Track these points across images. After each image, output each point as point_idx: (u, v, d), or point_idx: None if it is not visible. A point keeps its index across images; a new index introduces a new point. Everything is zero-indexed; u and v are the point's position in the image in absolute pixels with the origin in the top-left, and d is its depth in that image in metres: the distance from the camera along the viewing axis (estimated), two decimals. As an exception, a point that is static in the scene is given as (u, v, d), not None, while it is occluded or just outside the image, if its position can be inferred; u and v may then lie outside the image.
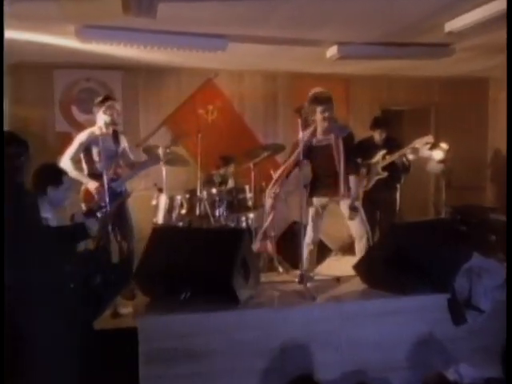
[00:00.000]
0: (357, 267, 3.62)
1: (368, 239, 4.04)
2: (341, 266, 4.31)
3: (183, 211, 4.89)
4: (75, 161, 4.35)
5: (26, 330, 2.10)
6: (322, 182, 4.03)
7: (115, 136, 4.41)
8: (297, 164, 3.96)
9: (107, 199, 4.18)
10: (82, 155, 4.38)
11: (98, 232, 4.14)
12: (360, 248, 4.03)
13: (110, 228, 4.15)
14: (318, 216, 4.08)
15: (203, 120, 5.89)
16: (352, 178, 4.02)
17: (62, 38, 4.58)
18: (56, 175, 2.98)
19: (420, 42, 4.95)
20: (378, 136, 5.10)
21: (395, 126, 5.96)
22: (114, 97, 4.37)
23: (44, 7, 3.76)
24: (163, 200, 4.83)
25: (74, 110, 5.86)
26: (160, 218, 4.82)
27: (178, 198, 4.93)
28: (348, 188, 3.98)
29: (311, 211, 4.08)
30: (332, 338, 3.04)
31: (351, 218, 3.99)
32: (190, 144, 5.56)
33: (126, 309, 3.80)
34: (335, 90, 6.47)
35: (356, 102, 6.56)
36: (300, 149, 3.63)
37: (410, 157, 5.00)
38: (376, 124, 5.15)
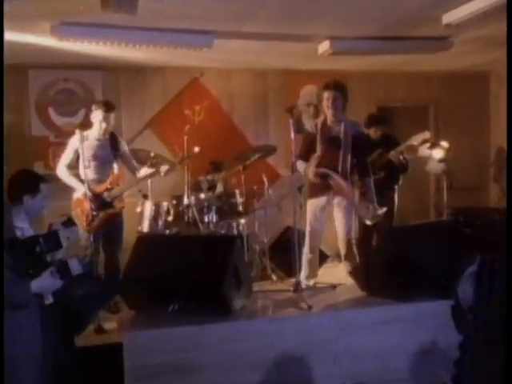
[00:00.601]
0: (354, 273, 3.64)
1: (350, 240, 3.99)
2: (338, 272, 4.33)
3: (170, 218, 4.88)
4: (71, 167, 4.37)
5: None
6: (326, 180, 3.93)
7: (113, 140, 4.42)
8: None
9: (95, 208, 4.19)
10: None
11: (86, 242, 4.16)
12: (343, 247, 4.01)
13: (92, 238, 4.15)
14: (316, 221, 3.99)
15: (190, 121, 5.90)
16: (368, 182, 4.05)
17: (37, 36, 4.57)
18: (32, 183, 2.96)
19: (417, 35, 5.00)
20: (373, 134, 5.12)
21: (392, 124, 5.99)
22: (113, 106, 4.38)
23: (17, 4, 3.75)
24: (148, 207, 4.81)
25: (52, 113, 5.84)
26: (145, 226, 4.80)
27: (165, 204, 4.92)
28: (367, 191, 4.01)
29: (309, 215, 4.00)
30: (329, 349, 3.05)
31: (371, 221, 4.02)
32: (175, 147, 5.55)
33: (111, 323, 3.79)
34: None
35: (351, 99, 6.53)
36: (293, 149, 3.63)
37: (407, 155, 5.02)
38: (371, 121, 5.17)
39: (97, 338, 3.62)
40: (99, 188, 4.32)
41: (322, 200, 3.98)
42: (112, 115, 4.36)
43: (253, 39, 4.93)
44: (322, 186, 3.94)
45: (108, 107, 4.32)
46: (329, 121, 3.96)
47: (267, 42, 5.07)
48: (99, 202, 4.28)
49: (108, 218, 4.35)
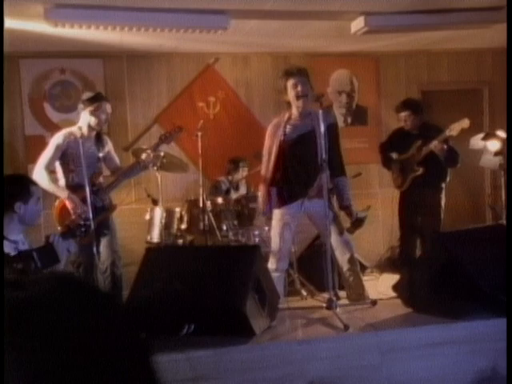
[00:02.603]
0: (398, 287, 3.60)
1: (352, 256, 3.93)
2: (378, 286, 4.29)
3: (183, 226, 4.92)
4: (51, 170, 4.30)
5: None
6: (295, 182, 3.85)
7: (98, 139, 4.42)
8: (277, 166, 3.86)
9: (90, 215, 4.19)
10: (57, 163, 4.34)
11: (77, 256, 4.18)
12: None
13: (94, 250, 4.17)
14: (290, 234, 3.89)
15: (203, 115, 5.93)
16: (343, 181, 3.96)
17: (28, 20, 4.64)
18: (22, 187, 3.00)
19: (466, 6, 4.92)
20: (403, 122, 4.97)
21: (439, 111, 5.92)
22: (105, 97, 4.37)
23: (6, -14, 3.82)
24: (159, 213, 4.85)
25: (48, 109, 5.90)
26: (155, 236, 4.84)
27: (177, 210, 4.96)
28: (340, 193, 3.91)
29: (278, 227, 3.87)
30: (370, 376, 3.02)
31: (351, 232, 3.96)
32: (188, 144, 5.59)
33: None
34: (362, 72, 6.56)
35: (389, 84, 6.54)
36: (322, 144, 3.58)
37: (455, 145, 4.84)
38: (400, 107, 5.01)
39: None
40: (83, 193, 4.29)
41: (294, 208, 3.88)
42: (108, 107, 4.31)
43: (274, 18, 4.92)
44: (297, 190, 3.85)
45: (103, 98, 4.31)
46: (296, 114, 3.87)
47: (291, 22, 5.05)
48: (87, 208, 4.26)
49: (100, 225, 4.33)
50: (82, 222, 4.19)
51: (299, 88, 3.80)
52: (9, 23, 4.67)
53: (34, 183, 3.08)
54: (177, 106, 6.11)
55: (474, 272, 3.18)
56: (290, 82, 3.82)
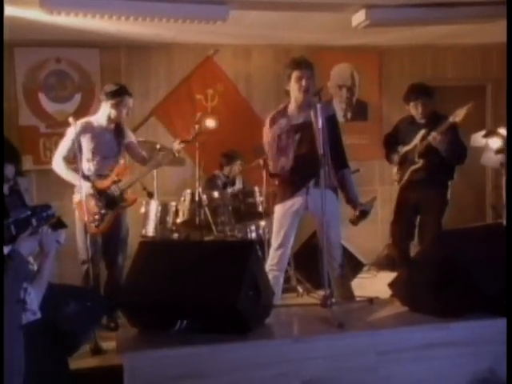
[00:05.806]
0: (394, 285, 3.59)
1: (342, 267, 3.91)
2: (375, 284, 4.29)
3: (178, 220, 4.91)
4: (69, 160, 4.34)
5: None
6: (295, 177, 3.83)
7: (118, 129, 4.44)
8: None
9: (102, 205, 4.20)
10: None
11: (83, 246, 4.18)
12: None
13: (89, 241, 4.15)
14: (292, 229, 3.88)
15: (201, 107, 5.91)
16: (347, 173, 3.94)
17: (23, 8, 4.61)
18: None
19: (472, 0, 4.90)
20: (414, 111, 4.69)
21: (441, 107, 5.89)
22: (128, 90, 4.39)
23: (1, -28, 3.79)
24: (154, 207, 4.85)
25: (42, 99, 5.88)
26: (150, 230, 4.84)
27: (173, 204, 4.95)
28: (345, 186, 3.91)
29: (283, 223, 3.85)
30: (366, 377, 3.01)
31: (355, 223, 3.94)
32: (185, 138, 5.56)
33: (110, 342, 3.81)
34: (364, 66, 6.54)
35: (391, 80, 6.52)
36: (321, 139, 3.56)
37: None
38: (411, 93, 4.72)
39: (93, 359, 3.65)
40: (104, 183, 4.32)
41: (297, 202, 3.86)
42: (130, 101, 4.37)
43: (275, 10, 4.90)
44: (298, 185, 3.83)
45: (126, 92, 4.35)
46: (295, 106, 3.86)
47: (292, 13, 5.03)
48: (106, 198, 4.29)
49: (117, 216, 4.35)
50: (98, 211, 4.22)
51: (304, 82, 3.76)
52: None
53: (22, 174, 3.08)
54: (174, 98, 6.10)
55: (474, 272, 3.17)
56: (296, 74, 3.78)
